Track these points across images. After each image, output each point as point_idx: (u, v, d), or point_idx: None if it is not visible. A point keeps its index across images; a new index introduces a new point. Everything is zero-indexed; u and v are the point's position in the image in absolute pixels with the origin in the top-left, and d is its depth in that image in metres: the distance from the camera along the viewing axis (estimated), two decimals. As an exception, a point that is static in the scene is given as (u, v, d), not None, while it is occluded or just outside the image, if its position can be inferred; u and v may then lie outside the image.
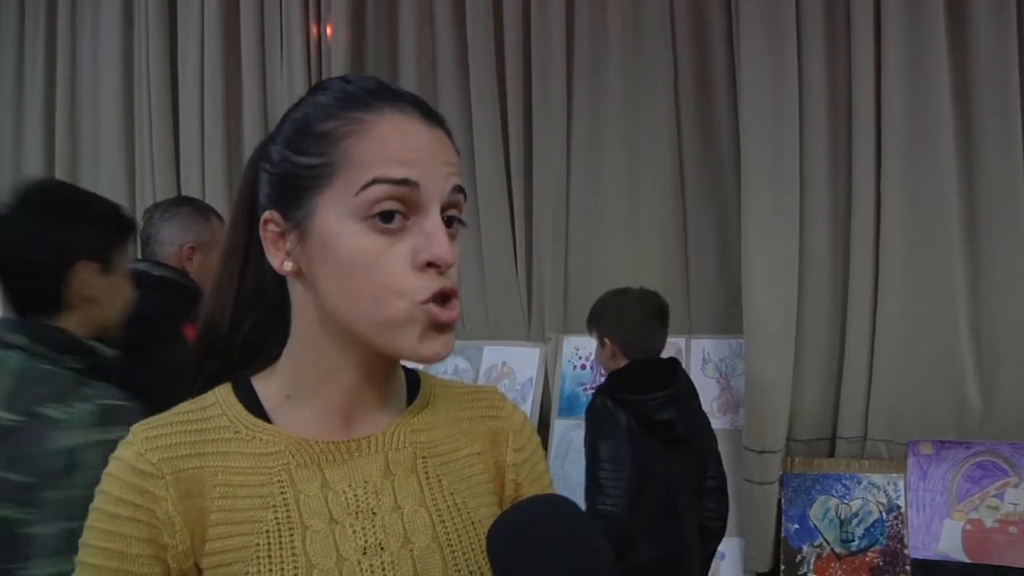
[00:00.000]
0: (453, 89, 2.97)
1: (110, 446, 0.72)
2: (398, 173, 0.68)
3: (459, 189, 0.72)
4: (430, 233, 0.69)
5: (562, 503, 0.70)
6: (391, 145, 0.69)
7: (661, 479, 2.00)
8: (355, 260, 0.69)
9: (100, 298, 1.32)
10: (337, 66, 3.03)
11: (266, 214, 0.73)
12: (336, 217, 0.69)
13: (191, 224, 2.09)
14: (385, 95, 0.72)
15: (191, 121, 3.27)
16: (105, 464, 0.71)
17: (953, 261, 2.39)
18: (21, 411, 1.19)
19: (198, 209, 2.14)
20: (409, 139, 0.70)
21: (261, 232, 0.74)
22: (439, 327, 0.70)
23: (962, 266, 2.40)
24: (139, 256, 2.14)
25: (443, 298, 0.70)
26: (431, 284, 0.69)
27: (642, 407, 2.01)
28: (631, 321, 2.13)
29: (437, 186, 0.70)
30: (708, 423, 2.22)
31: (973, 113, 2.41)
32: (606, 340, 2.16)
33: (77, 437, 1.16)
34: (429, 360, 0.71)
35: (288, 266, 0.73)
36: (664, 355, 2.18)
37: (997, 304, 2.39)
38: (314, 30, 3.14)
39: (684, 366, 2.64)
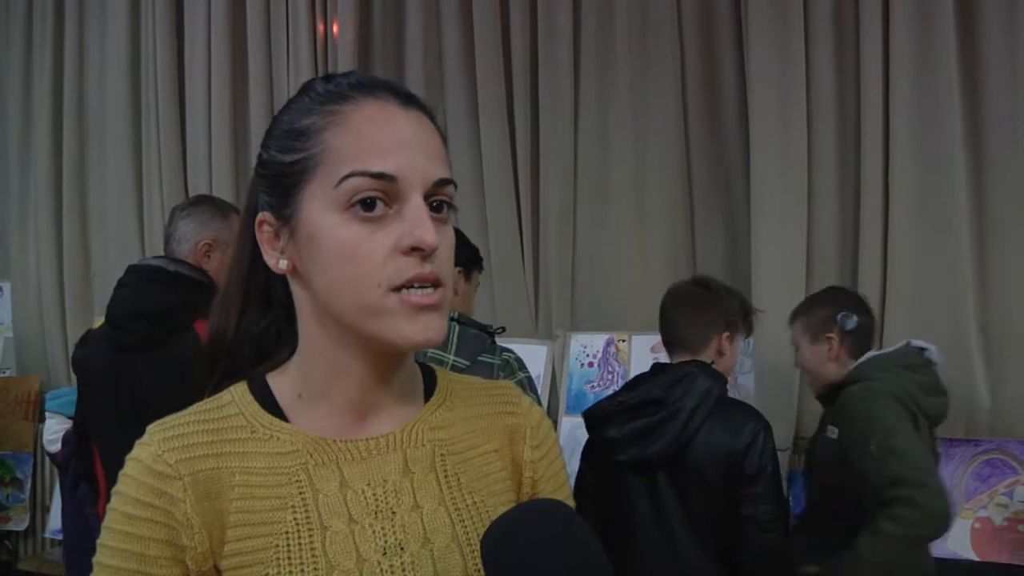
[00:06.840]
0: (460, 86, 2.97)
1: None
2: (375, 166, 0.68)
3: (444, 182, 0.72)
4: (413, 218, 0.69)
5: (555, 507, 0.69)
6: (368, 135, 0.70)
7: (619, 505, 1.88)
8: (337, 250, 0.69)
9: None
10: (344, 63, 3.03)
11: (260, 215, 0.74)
12: (319, 209, 0.70)
13: (208, 222, 2.09)
14: (362, 86, 0.72)
15: (198, 121, 3.28)
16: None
17: (962, 257, 2.38)
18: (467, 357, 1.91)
19: (217, 207, 2.15)
20: (386, 127, 0.70)
21: (257, 234, 0.75)
22: (422, 309, 0.69)
23: (971, 263, 2.39)
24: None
25: (421, 284, 0.69)
26: (408, 270, 0.68)
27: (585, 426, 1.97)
28: (662, 310, 2.00)
29: (418, 174, 0.70)
30: (714, 442, 1.78)
31: (982, 106, 2.40)
32: None
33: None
34: (422, 345, 0.70)
35: (283, 264, 0.73)
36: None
37: (1006, 302, 2.38)
38: (320, 28, 3.14)
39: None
